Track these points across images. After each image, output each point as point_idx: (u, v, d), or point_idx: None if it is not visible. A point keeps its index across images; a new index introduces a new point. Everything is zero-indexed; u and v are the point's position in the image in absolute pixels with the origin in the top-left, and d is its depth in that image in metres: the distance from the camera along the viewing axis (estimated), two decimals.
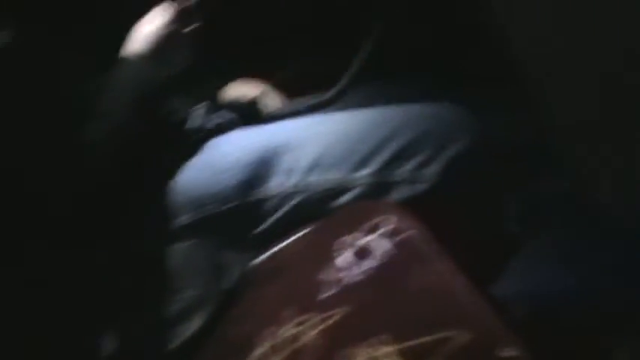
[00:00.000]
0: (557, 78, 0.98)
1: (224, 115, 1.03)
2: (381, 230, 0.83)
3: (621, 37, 0.88)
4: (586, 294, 0.88)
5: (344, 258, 0.83)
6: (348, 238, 0.86)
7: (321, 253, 0.85)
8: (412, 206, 0.90)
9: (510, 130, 1.02)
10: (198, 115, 1.03)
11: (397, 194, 0.92)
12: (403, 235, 0.81)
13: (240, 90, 1.12)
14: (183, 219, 0.95)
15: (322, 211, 0.93)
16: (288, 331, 0.80)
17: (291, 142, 0.95)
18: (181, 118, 1.03)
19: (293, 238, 0.93)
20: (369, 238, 0.84)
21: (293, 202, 0.94)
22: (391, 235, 0.82)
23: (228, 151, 0.97)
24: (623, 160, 0.94)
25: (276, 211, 0.94)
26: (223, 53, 1.12)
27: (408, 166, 0.92)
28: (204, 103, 1.04)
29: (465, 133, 0.92)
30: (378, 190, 0.92)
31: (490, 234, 0.97)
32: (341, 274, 0.82)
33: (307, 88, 1.10)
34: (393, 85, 1.07)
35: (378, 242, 0.83)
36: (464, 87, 1.02)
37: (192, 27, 0.97)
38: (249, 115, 1.05)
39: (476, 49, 1.10)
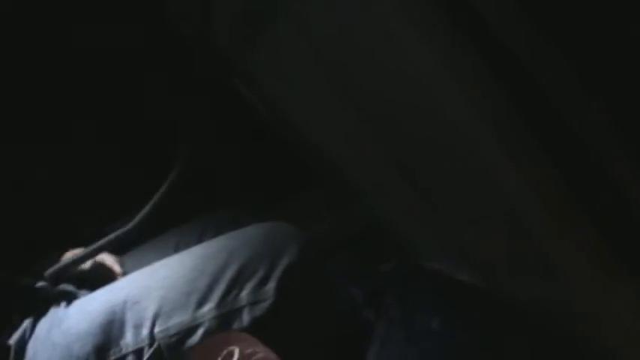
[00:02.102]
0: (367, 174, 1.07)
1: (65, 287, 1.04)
2: None
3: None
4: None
5: None
6: None
7: None
8: (259, 327, 0.94)
9: (341, 224, 1.09)
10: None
11: (245, 318, 0.95)
12: None
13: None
14: None
15: (178, 354, 0.95)
16: None
17: (132, 296, 0.97)
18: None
19: None
20: None
21: (149, 352, 0.96)
22: None
23: (75, 321, 0.97)
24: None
25: None
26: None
27: (247, 290, 0.95)
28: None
29: (292, 244, 0.97)
30: (225, 320, 0.95)
31: (345, 327, 1.02)
32: None
33: None
34: (218, 216, 1.12)
35: None
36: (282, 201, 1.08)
37: None
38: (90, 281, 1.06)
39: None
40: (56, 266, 1.07)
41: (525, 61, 0.78)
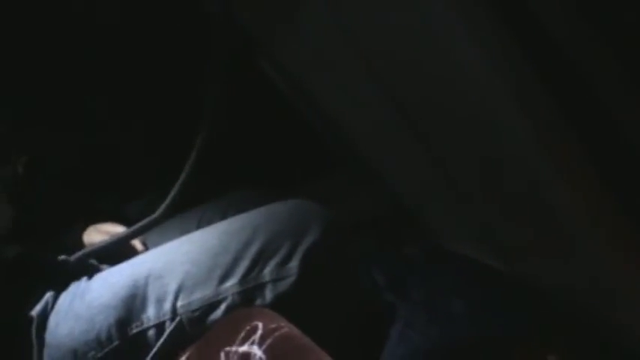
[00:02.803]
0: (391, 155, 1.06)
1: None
2: (251, 339, 0.86)
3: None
4: (454, 341, 0.94)
5: None
6: (225, 352, 0.88)
7: None
8: (282, 303, 0.94)
9: (363, 207, 1.08)
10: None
11: (268, 294, 0.95)
12: (270, 340, 0.84)
13: (97, 235, 1.14)
14: None
15: (200, 329, 0.95)
16: None
17: (155, 270, 0.97)
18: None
19: None
20: (244, 348, 0.87)
21: (171, 327, 0.96)
22: (260, 342, 0.85)
23: (98, 294, 0.98)
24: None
25: (157, 339, 0.96)
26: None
27: (270, 266, 0.95)
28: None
29: (316, 222, 0.97)
30: (248, 295, 0.95)
31: (366, 308, 1.02)
32: None
33: None
34: (241, 195, 1.12)
35: (252, 351, 0.85)
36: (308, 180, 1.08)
37: None
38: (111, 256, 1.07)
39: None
40: (82, 251, 1.07)
41: (565, 50, 0.78)
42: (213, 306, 0.95)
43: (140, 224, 1.02)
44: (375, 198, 1.16)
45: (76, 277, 1.04)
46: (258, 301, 0.95)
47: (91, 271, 1.04)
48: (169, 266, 0.97)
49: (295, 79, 1.14)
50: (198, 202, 1.23)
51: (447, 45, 0.82)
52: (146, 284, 0.97)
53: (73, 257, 1.02)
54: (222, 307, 0.95)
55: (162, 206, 1.00)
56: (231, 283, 0.95)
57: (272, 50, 1.16)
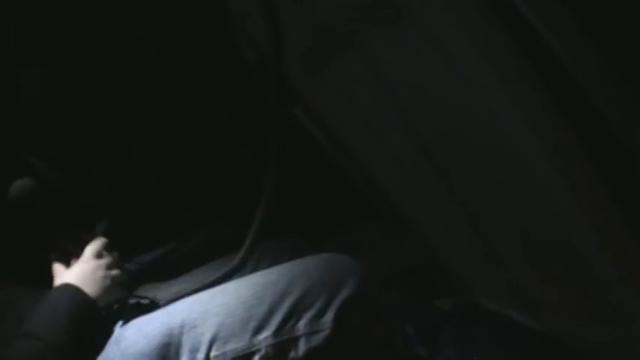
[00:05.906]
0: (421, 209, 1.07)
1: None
2: None
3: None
4: None
5: None
6: None
7: None
8: (315, 357, 0.95)
9: (396, 257, 1.09)
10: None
11: (301, 347, 0.96)
12: None
13: None
14: None
15: None
16: None
17: (189, 320, 0.98)
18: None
19: None
20: None
21: None
22: None
23: (132, 342, 0.98)
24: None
25: None
26: None
27: (304, 319, 0.96)
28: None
29: (351, 277, 0.98)
30: (282, 348, 0.96)
31: None
32: None
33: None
34: (274, 244, 1.13)
35: None
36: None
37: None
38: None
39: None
40: (171, 296, 1.10)
41: (595, 102, 0.79)
42: (246, 357, 0.96)
43: (223, 273, 1.06)
44: (409, 249, 1.17)
45: (111, 322, 1.05)
46: (292, 354, 0.96)
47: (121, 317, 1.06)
48: (204, 316, 0.98)
49: (330, 129, 1.16)
50: (230, 250, 1.24)
51: (484, 105, 0.83)
52: (180, 333, 0.98)
53: (163, 300, 1.04)
54: (256, 358, 0.96)
55: (238, 256, 1.05)
56: (265, 335, 0.96)
57: (308, 99, 1.18)
